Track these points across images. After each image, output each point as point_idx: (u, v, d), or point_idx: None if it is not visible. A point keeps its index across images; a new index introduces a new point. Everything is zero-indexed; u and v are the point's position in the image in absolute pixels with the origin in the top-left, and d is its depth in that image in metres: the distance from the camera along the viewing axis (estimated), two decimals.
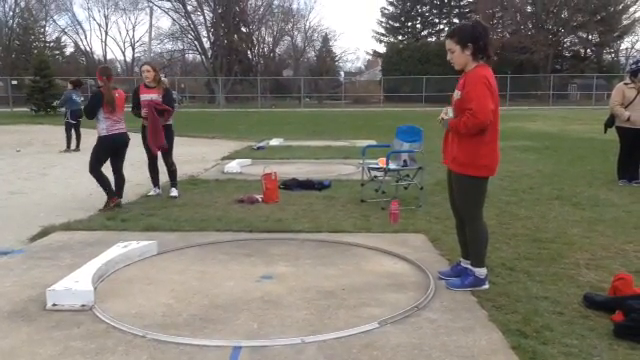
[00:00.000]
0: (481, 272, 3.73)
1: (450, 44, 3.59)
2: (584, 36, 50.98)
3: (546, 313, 3.31)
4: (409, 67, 46.07)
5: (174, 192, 7.04)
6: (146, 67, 6.93)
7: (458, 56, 3.56)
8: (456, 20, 58.83)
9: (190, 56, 58.76)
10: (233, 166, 9.43)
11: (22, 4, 53.46)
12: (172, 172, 7.14)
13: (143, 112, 6.74)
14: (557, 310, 3.36)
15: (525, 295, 3.60)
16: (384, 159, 6.59)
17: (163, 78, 7.18)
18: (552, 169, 9.33)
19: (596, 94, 41.61)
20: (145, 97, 6.79)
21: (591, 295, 3.48)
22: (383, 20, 58.83)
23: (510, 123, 20.09)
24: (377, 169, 6.72)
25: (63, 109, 13.87)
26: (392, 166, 6.49)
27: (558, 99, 43.54)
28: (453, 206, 3.90)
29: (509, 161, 10.29)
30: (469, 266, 3.79)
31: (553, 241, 4.89)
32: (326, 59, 57.00)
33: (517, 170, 9.18)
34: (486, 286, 3.73)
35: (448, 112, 3.71)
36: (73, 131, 13.21)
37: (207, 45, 52.71)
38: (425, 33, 58.84)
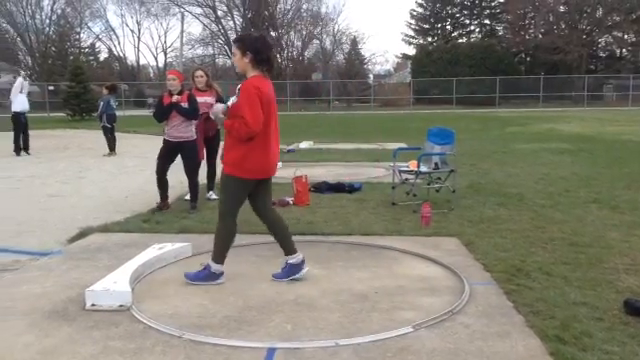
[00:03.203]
0: (216, 268, 3.94)
1: (234, 48, 3.86)
2: (619, 35, 49.71)
3: (585, 319, 3.24)
4: (439, 69, 45.66)
5: (214, 195, 7.10)
6: (199, 72, 7.01)
7: (238, 61, 3.80)
8: (487, 21, 58.22)
9: (220, 61, 59.59)
10: None
11: (58, 12, 55.09)
12: (214, 174, 7.18)
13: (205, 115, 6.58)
14: (596, 316, 3.28)
15: (563, 300, 3.53)
16: (415, 162, 6.54)
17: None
18: (588, 172, 9.12)
19: (633, 95, 40.45)
20: (199, 100, 6.72)
21: (631, 301, 3.38)
22: (412, 22, 58.63)
23: (544, 125, 19.73)
24: (408, 172, 6.67)
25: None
26: (423, 169, 6.44)
27: (593, 100, 42.45)
28: (256, 210, 4.12)
29: (543, 164, 10.11)
30: (210, 261, 3.93)
31: (591, 245, 4.78)
32: (355, 62, 57.00)
33: (552, 173, 9.00)
34: (220, 281, 3.94)
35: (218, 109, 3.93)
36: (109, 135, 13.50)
37: None
38: (455, 34, 58.33)
